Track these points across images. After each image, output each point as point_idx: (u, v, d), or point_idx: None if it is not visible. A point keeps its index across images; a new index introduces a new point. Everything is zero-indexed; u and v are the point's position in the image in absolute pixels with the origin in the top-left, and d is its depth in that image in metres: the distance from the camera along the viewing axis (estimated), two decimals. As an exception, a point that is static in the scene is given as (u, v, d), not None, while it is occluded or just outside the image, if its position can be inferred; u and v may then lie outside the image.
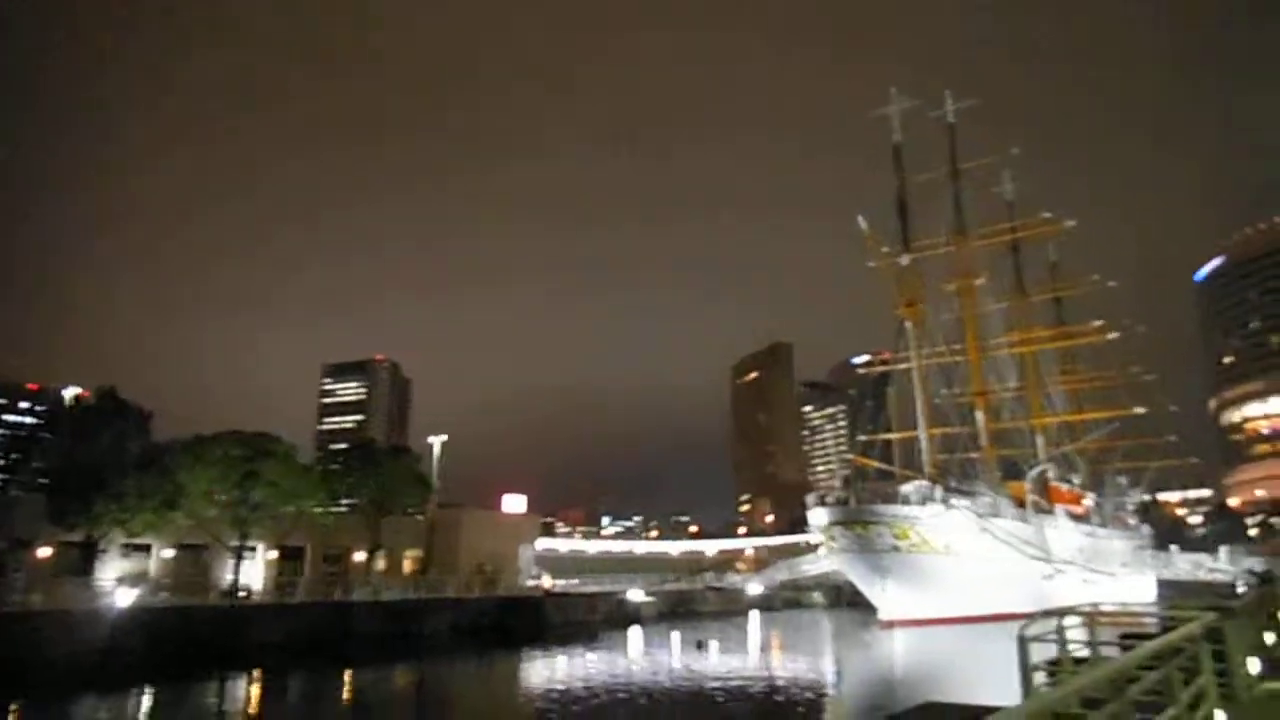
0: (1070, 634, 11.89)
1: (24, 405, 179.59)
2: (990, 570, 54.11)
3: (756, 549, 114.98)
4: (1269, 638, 17.22)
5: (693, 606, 68.82)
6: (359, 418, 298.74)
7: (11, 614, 38.28)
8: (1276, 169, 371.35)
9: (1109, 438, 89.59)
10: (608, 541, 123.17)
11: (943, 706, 13.27)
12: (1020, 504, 63.94)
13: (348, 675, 38.80)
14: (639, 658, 43.87)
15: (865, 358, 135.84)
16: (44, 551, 47.76)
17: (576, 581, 74.97)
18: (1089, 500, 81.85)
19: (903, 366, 71.01)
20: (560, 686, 34.63)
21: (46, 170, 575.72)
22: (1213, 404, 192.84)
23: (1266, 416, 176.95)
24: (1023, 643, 9.78)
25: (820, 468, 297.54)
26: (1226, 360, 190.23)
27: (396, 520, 63.91)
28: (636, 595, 63.57)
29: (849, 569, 57.40)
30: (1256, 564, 72.07)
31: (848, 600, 68.99)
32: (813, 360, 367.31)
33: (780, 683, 33.51)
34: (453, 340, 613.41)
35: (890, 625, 52.21)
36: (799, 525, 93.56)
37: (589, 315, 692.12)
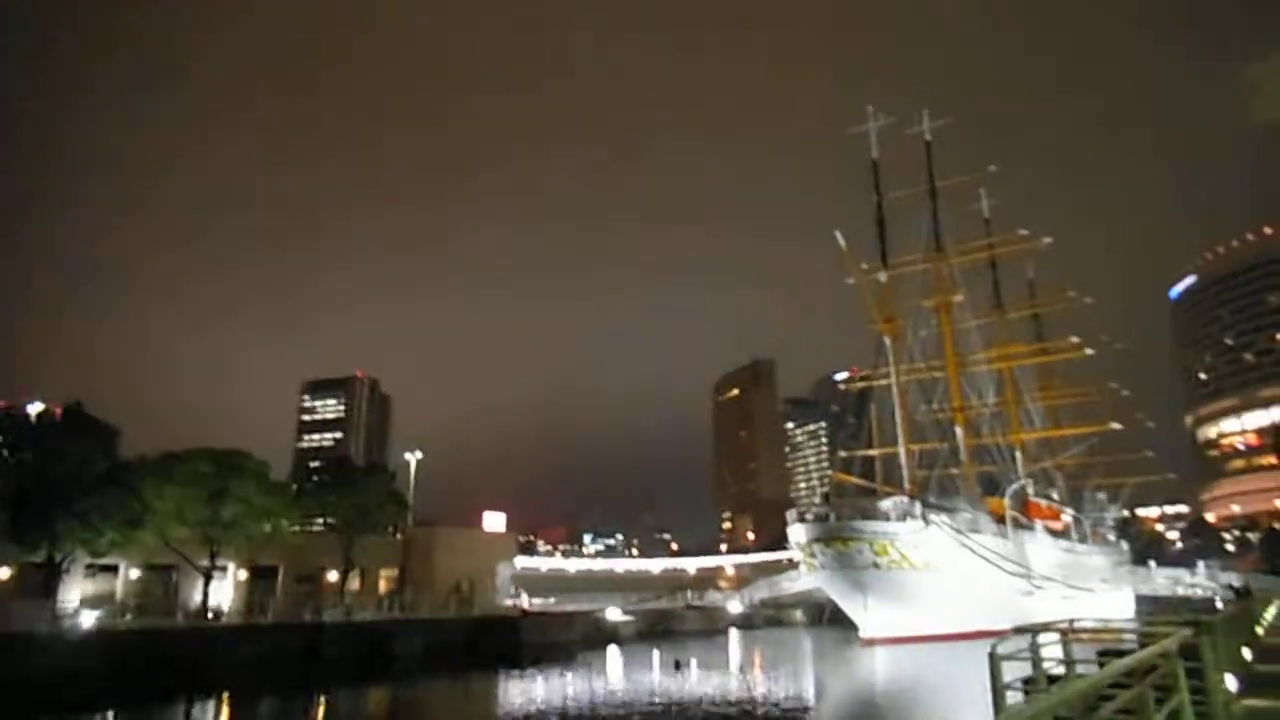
0: (1046, 651, 11.58)
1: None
2: (970, 587, 53.87)
3: (738, 566, 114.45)
4: (1247, 654, 16.98)
5: (672, 625, 68.07)
6: (338, 435, 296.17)
7: (-33, 637, 37.11)
8: (1247, 187, 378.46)
9: (1087, 453, 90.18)
10: (588, 560, 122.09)
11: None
12: (1000, 520, 63.90)
13: (319, 698, 37.97)
14: (616, 678, 43.19)
15: (846, 374, 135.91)
16: (3, 572, 46.53)
17: (553, 601, 74.05)
18: (1068, 516, 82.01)
19: (882, 383, 71.14)
20: (535, 708, 33.93)
21: (15, 178, 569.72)
22: (1189, 420, 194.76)
23: (1241, 432, 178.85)
24: (994, 660, 9.43)
25: (802, 484, 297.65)
26: (1202, 376, 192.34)
27: (371, 539, 62.87)
28: (614, 614, 62.80)
29: (829, 586, 57.03)
30: (1234, 579, 72.31)
31: (829, 618, 68.45)
32: (795, 377, 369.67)
33: (759, 704, 32.97)
34: (434, 358, 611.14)
35: (871, 643, 51.82)
36: (780, 542, 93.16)
37: (572, 332, 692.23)
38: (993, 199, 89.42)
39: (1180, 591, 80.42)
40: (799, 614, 79.79)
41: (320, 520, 64.73)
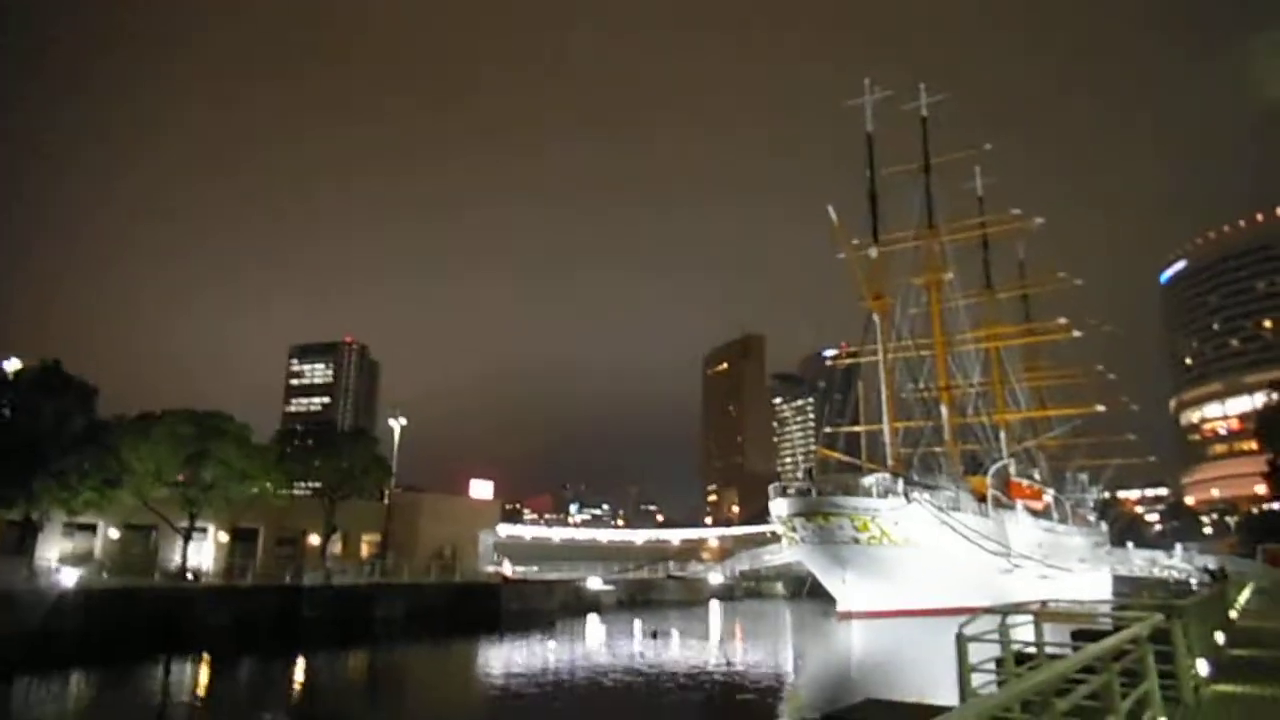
0: (1019, 632, 11.43)
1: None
2: (949, 563, 54.22)
3: (721, 539, 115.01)
4: (1220, 638, 16.95)
5: (653, 595, 68.40)
6: (326, 400, 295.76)
7: (-60, 593, 36.86)
8: (1240, 173, 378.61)
9: (1071, 435, 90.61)
10: (572, 529, 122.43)
11: (883, 704, 12.83)
12: (981, 498, 64.23)
13: (298, 660, 37.96)
14: (595, 646, 43.37)
15: (835, 351, 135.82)
16: (-21, 528, 46.23)
17: (536, 569, 74.27)
18: (1049, 496, 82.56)
19: (870, 360, 71.07)
20: (514, 674, 34.03)
21: (8, 147, 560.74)
22: (1173, 404, 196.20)
23: (1224, 417, 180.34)
24: (961, 641, 9.25)
25: (788, 459, 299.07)
26: (1187, 361, 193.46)
27: (354, 504, 62.73)
28: (595, 584, 63.02)
29: (809, 560, 57.30)
30: (1210, 562, 72.98)
31: (809, 591, 68.97)
32: (784, 352, 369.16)
33: (734, 673, 33.12)
34: (423, 324, 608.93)
35: (848, 617, 52.19)
36: (764, 516, 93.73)
37: (562, 302, 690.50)
38: (987, 178, 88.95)
39: (1157, 573, 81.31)
40: (779, 587, 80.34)
41: (304, 484, 64.51)
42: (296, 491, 63.48)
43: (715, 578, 77.07)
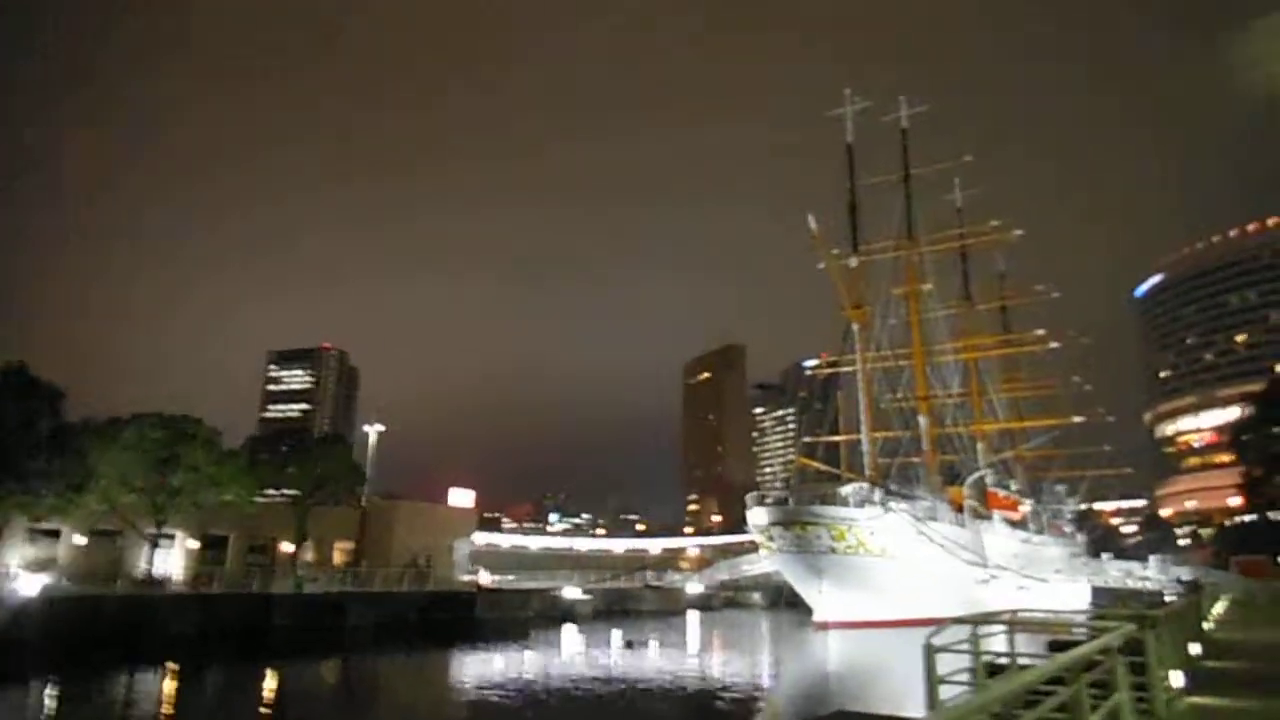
0: (994, 643, 11.15)
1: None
2: (926, 574, 54.08)
3: (700, 548, 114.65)
4: (1194, 649, 16.78)
5: (630, 605, 67.88)
6: (305, 406, 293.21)
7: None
8: (1217, 190, 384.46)
9: (1048, 446, 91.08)
10: (550, 538, 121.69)
11: (853, 716, 12.54)
12: (959, 509, 64.22)
13: (266, 670, 37.25)
14: (571, 656, 42.88)
15: (816, 361, 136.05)
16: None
17: (513, 578, 73.57)
18: (1026, 507, 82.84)
19: (849, 369, 71.06)
20: (486, 684, 33.53)
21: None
22: (1148, 417, 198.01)
23: (1198, 430, 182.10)
24: (929, 652, 8.96)
25: (768, 469, 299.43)
26: (1163, 374, 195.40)
27: (327, 511, 61.98)
28: (572, 593, 62.41)
29: (787, 570, 57.00)
30: (1185, 573, 73.36)
31: (787, 601, 68.70)
32: (765, 362, 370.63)
33: (709, 684, 32.77)
34: (404, 331, 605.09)
35: (824, 627, 51.90)
36: (744, 526, 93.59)
37: (544, 310, 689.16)
38: (967, 190, 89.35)
39: (1131, 584, 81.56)
40: (757, 596, 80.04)
41: (277, 491, 63.62)
42: (269, 498, 62.65)
43: (693, 587, 76.65)
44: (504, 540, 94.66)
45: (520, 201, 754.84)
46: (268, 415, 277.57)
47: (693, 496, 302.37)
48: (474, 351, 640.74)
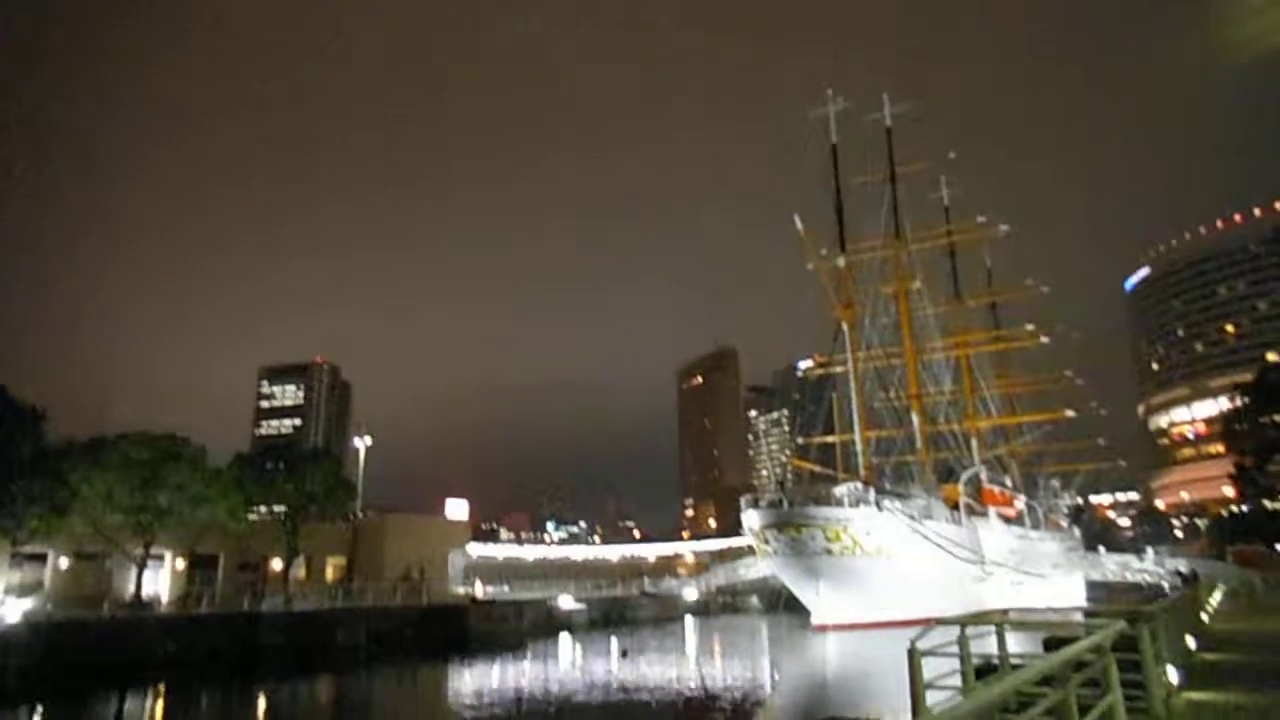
0: (986, 642, 10.78)
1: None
2: (922, 573, 53.75)
3: (697, 554, 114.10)
4: (1191, 642, 16.46)
5: (626, 613, 67.30)
6: (297, 422, 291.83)
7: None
8: (1204, 181, 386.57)
9: (1042, 441, 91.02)
10: (545, 548, 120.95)
11: (843, 723, 12.20)
12: (954, 506, 63.95)
13: (257, 690, 36.74)
14: (566, 667, 42.44)
15: (809, 362, 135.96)
16: (-81, 561, 44.37)
17: (506, 589, 72.96)
18: (1021, 502, 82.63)
19: (840, 369, 70.85)
20: (480, 697, 33.07)
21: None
22: (1141, 409, 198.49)
23: (1190, 421, 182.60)
24: (913, 655, 8.59)
25: (764, 472, 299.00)
26: (1154, 366, 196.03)
27: (318, 527, 61.32)
28: (567, 602, 61.83)
29: (782, 572, 56.60)
30: (1182, 565, 73.26)
31: (785, 604, 68.28)
32: (759, 364, 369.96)
33: (706, 691, 32.33)
34: (397, 343, 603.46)
35: (823, 629, 51.53)
36: (740, 529, 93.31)
37: (535, 317, 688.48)
38: (953, 187, 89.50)
39: (1129, 577, 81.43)
40: (755, 600, 79.56)
41: (267, 508, 62.92)
42: (259, 516, 61.95)
43: (690, 593, 76.15)
44: (499, 551, 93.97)
45: (512, 213, 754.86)
46: (260, 432, 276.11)
47: (689, 501, 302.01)
48: (468, 362, 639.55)
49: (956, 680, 9.78)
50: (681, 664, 41.90)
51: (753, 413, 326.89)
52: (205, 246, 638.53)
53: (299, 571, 60.25)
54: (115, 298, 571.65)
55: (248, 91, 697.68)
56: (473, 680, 38.71)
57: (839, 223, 68.52)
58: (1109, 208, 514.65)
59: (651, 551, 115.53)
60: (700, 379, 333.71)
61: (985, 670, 9.98)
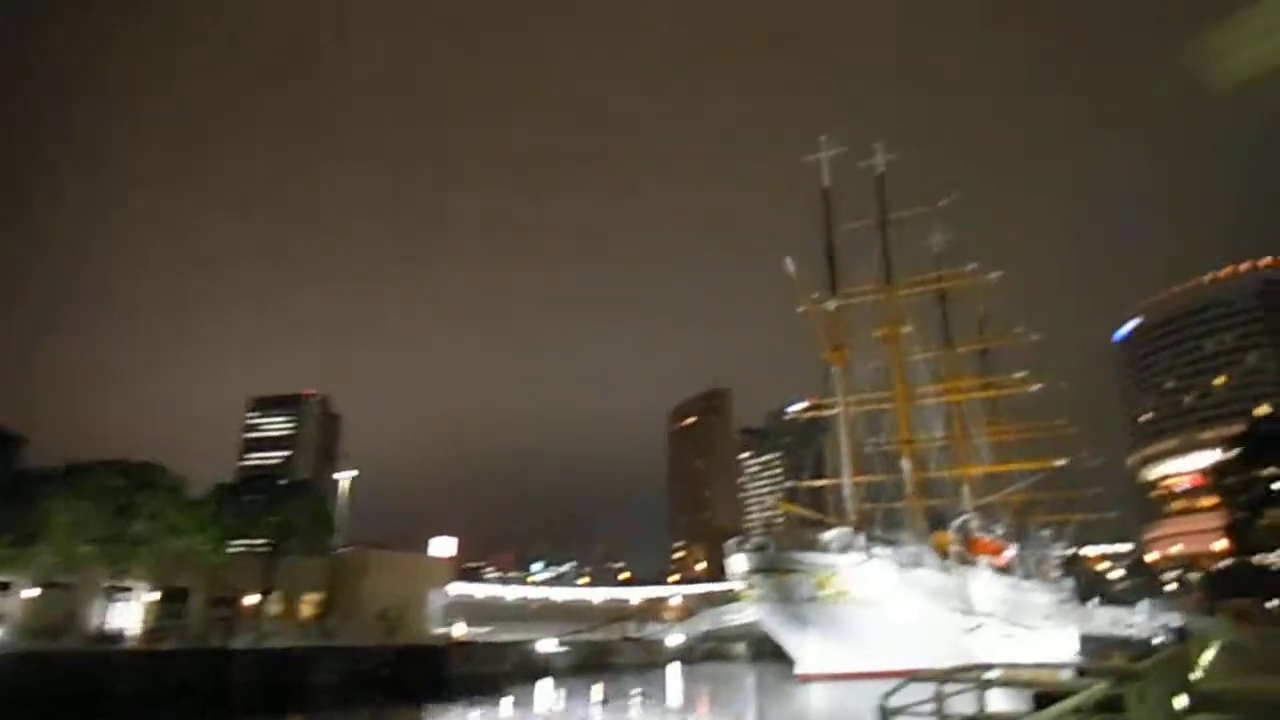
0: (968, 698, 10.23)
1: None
2: (911, 622, 52.70)
3: (685, 597, 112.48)
4: (1181, 701, 15.83)
5: (609, 658, 65.87)
6: (286, 454, 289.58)
7: None
8: (1193, 234, 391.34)
9: (1033, 490, 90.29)
10: (526, 588, 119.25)
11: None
12: (944, 555, 63.07)
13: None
14: (543, 713, 41.32)
15: (800, 405, 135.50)
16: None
17: (487, 630, 71.56)
18: (1011, 552, 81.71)
19: (831, 413, 70.44)
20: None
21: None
22: (1131, 460, 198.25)
23: (1181, 474, 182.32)
24: (883, 715, 8.06)
25: (755, 515, 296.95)
26: (1144, 418, 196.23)
27: (296, 561, 60.16)
28: (548, 646, 60.49)
29: (768, 619, 55.49)
30: (1174, 619, 72.39)
31: (771, 652, 66.99)
32: (752, 406, 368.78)
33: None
34: (391, 377, 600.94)
35: (807, 679, 50.35)
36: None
37: (528, 355, 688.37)
38: (945, 233, 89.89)
39: (1120, 631, 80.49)
40: (741, 648, 78.10)
41: (245, 541, 61.83)
42: (237, 549, 60.85)
43: (675, 639, 74.72)
44: (478, 590, 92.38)
45: (510, 247, 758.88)
46: (247, 463, 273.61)
47: (679, 544, 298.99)
48: (461, 398, 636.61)
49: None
50: (663, 713, 40.83)
51: (745, 455, 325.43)
52: (199, 273, 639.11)
53: (275, 607, 58.96)
54: (107, 324, 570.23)
55: (246, 119, 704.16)
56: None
57: (830, 267, 68.70)
58: (1101, 258, 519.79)
59: (637, 594, 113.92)
60: (693, 420, 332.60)
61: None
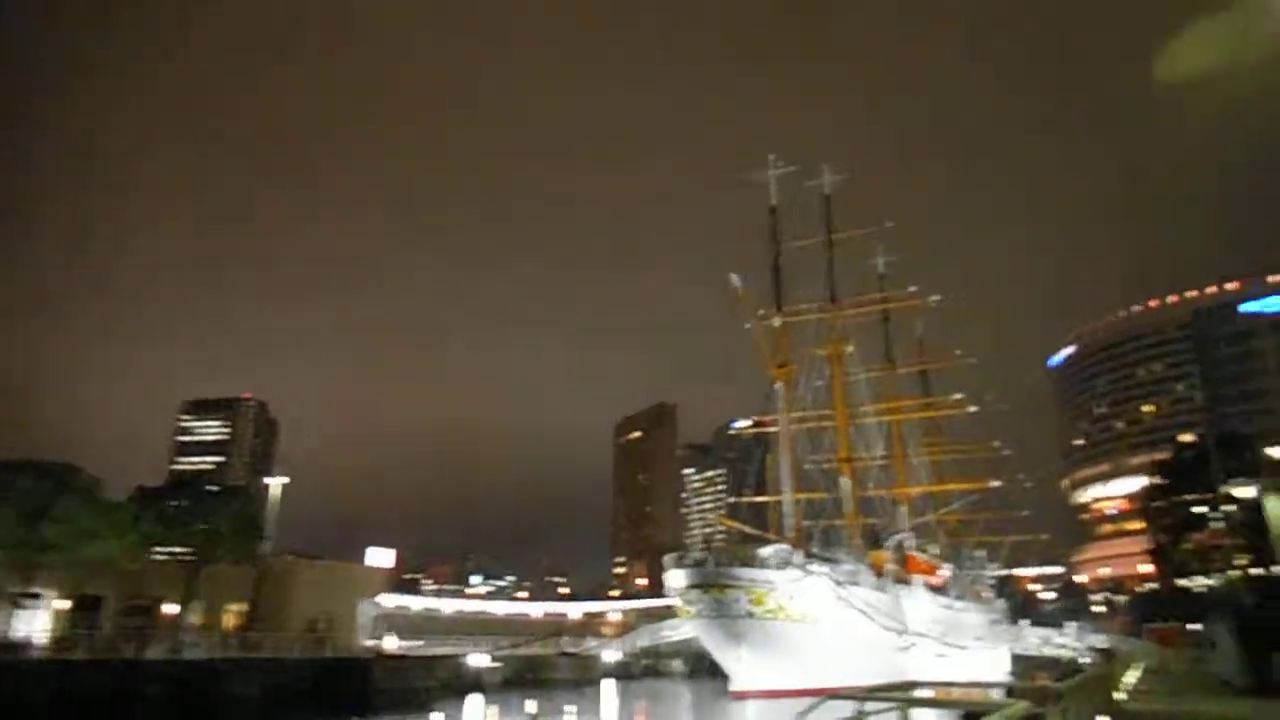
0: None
1: None
2: (846, 640, 52.78)
3: (624, 612, 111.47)
4: (1102, 721, 15.79)
5: (543, 673, 64.75)
6: (220, 458, 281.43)
7: None
8: (1127, 264, 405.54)
9: (968, 511, 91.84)
10: (463, 601, 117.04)
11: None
12: (879, 573, 63.48)
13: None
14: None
15: (745, 422, 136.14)
16: None
17: (420, 644, 69.81)
18: (946, 572, 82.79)
19: (774, 430, 70.64)
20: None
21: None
22: (1064, 484, 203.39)
23: (1110, 498, 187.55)
24: (798, 737, 7.65)
25: (697, 531, 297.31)
26: (1076, 442, 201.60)
27: (221, 569, 57.95)
28: (480, 660, 59.15)
29: (705, 635, 55.06)
30: (1101, 640, 73.99)
31: (708, 669, 66.58)
32: (697, 422, 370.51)
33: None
34: (332, 384, 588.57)
35: (742, 696, 49.99)
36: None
37: (473, 366, 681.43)
38: (888, 256, 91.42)
39: (1048, 651, 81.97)
40: (678, 664, 77.56)
41: (168, 548, 59.44)
42: (160, 556, 58.45)
43: (611, 655, 73.84)
44: (415, 602, 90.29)
45: (450, 259, 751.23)
46: (178, 468, 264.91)
47: (620, 559, 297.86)
48: (405, 410, 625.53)
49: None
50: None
51: (689, 471, 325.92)
52: (134, 271, 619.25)
53: (196, 617, 56.65)
54: (31, 318, 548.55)
55: (197, 122, 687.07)
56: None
57: (776, 284, 69.10)
58: (1046, 284, 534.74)
59: (576, 609, 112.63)
60: (638, 434, 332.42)
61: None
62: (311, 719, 42.73)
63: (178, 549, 58.30)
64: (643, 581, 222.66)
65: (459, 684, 55.03)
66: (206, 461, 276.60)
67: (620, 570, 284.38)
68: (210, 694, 42.85)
